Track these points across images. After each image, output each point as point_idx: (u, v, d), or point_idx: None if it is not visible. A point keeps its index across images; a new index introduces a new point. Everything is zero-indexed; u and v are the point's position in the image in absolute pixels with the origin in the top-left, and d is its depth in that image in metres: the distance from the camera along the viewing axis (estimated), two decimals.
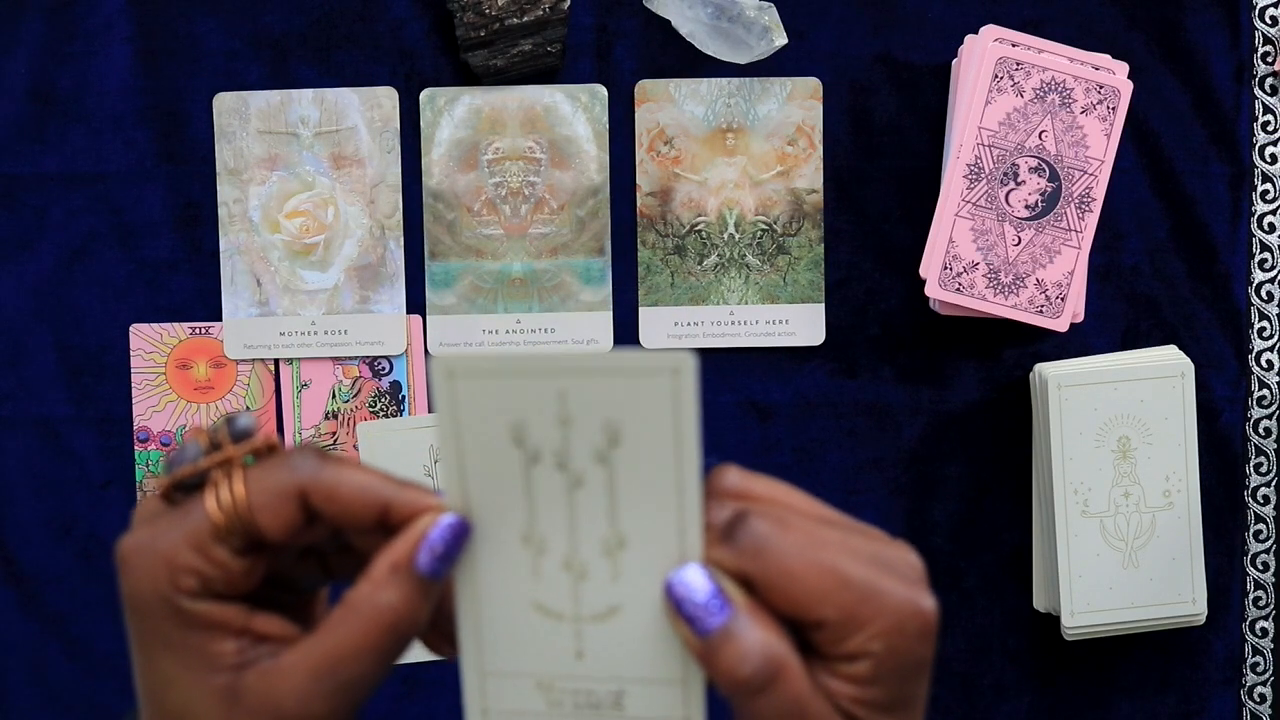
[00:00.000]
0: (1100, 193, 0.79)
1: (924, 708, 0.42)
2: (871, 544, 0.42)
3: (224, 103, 0.83)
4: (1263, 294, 0.84)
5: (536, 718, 0.43)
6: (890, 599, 0.40)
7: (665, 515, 0.41)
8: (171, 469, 0.43)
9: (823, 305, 0.84)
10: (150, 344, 0.84)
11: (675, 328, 0.84)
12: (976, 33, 0.79)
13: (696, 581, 0.40)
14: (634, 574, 0.41)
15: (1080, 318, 0.81)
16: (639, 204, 0.84)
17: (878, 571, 0.41)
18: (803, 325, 0.84)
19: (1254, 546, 0.85)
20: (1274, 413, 0.84)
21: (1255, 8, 0.83)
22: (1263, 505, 0.85)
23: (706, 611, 0.40)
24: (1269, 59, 0.83)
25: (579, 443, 0.40)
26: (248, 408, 0.84)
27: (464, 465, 0.41)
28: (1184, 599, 0.81)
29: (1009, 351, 0.84)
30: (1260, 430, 0.84)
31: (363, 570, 0.42)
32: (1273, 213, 0.84)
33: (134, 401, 0.83)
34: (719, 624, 0.40)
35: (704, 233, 0.84)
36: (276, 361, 0.84)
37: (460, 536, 0.41)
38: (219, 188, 0.83)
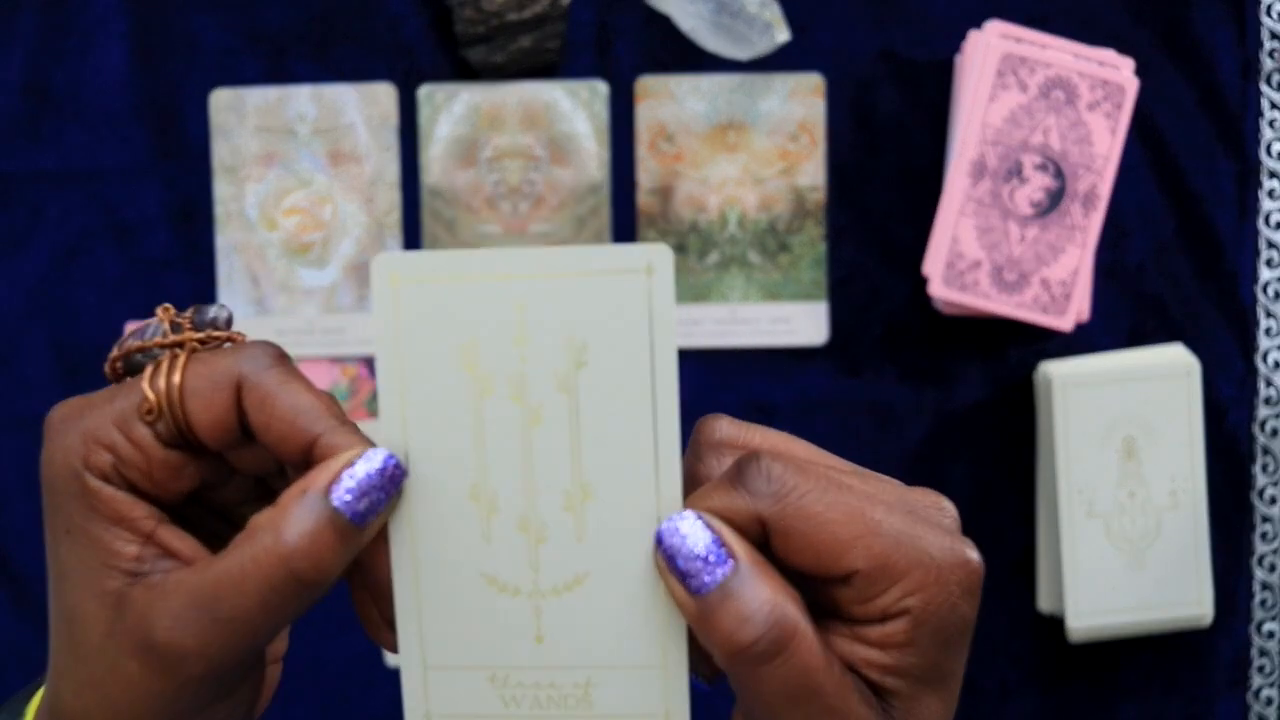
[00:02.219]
0: (1105, 190, 0.79)
1: (961, 679, 0.37)
2: (899, 490, 0.37)
3: (220, 99, 0.82)
4: (1269, 292, 0.84)
5: None
6: (929, 546, 0.35)
7: (639, 457, 0.35)
8: (125, 343, 0.39)
9: (825, 304, 0.84)
10: None
11: (676, 326, 0.84)
12: (980, 27, 0.79)
13: (693, 530, 0.35)
14: (603, 532, 0.36)
15: (1085, 317, 0.80)
16: (639, 201, 0.83)
17: (912, 519, 0.36)
18: (805, 324, 0.84)
19: (1261, 548, 0.85)
20: None
21: (1262, 3, 0.82)
22: (1270, 506, 0.84)
23: (704, 565, 0.35)
24: (1276, 55, 0.83)
25: (538, 366, 0.35)
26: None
27: (405, 396, 0.36)
28: (1190, 601, 0.81)
29: (1013, 350, 0.84)
30: (1267, 430, 0.84)
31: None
32: None
33: None
34: (718, 579, 0.35)
35: (705, 230, 0.83)
36: None
37: (390, 476, 0.36)
38: (215, 185, 0.83)
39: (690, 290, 0.84)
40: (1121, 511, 0.80)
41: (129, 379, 0.38)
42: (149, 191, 0.83)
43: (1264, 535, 0.85)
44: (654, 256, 0.35)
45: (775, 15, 0.79)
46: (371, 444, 0.36)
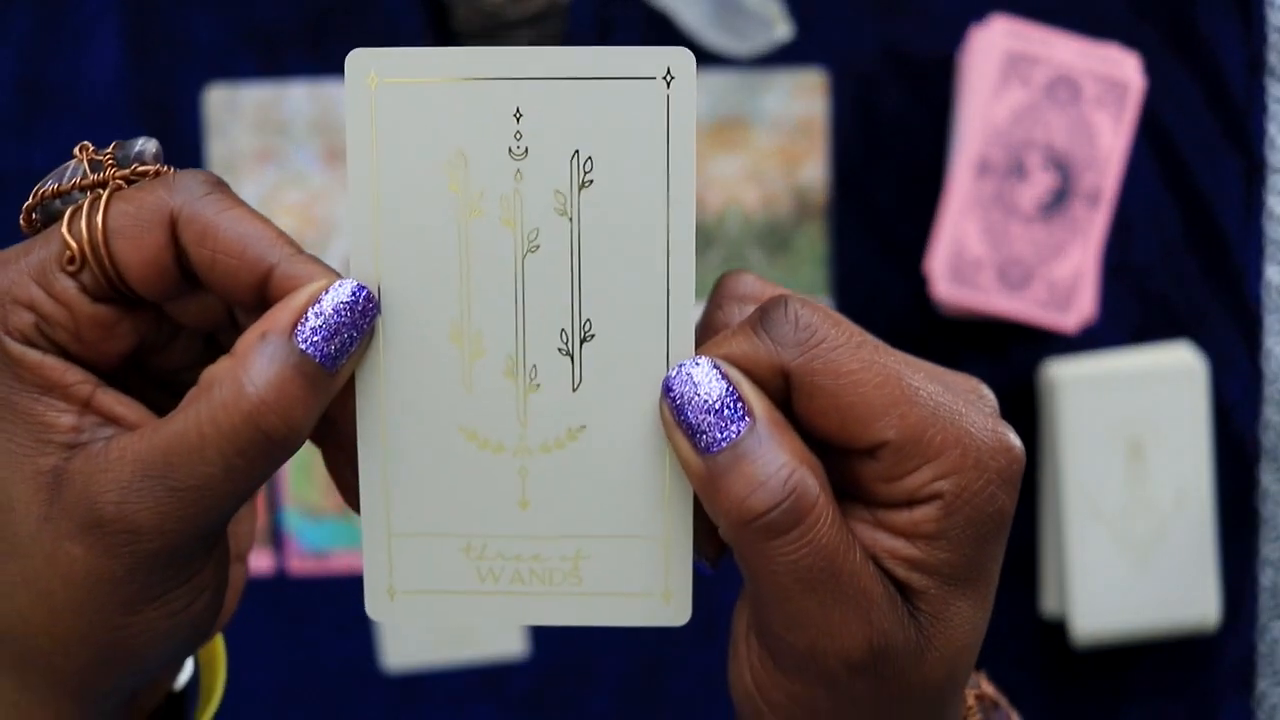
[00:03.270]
0: (1110, 188, 0.78)
1: (997, 580, 0.33)
2: (937, 368, 0.33)
3: (215, 96, 0.82)
4: (1276, 291, 0.83)
5: (462, 600, 0.33)
6: (969, 425, 0.31)
7: (649, 295, 0.31)
8: (41, 189, 0.34)
9: (827, 302, 0.83)
10: None
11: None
12: (984, 24, 0.79)
13: (706, 379, 0.31)
14: (603, 380, 0.32)
15: (1090, 315, 0.80)
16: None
17: (951, 394, 0.32)
18: None
19: (1267, 550, 0.84)
20: None
21: None
22: (1276, 508, 0.84)
23: (716, 419, 0.30)
24: None
25: (537, 183, 0.31)
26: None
27: (379, 217, 0.32)
28: (1196, 604, 0.80)
29: (1017, 350, 0.83)
30: (1274, 431, 0.84)
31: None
32: None
33: None
34: (731, 437, 0.30)
35: (706, 229, 0.83)
36: None
37: (362, 311, 0.31)
38: None
39: None
40: (1126, 513, 0.80)
41: (44, 227, 0.34)
42: None
43: (1270, 538, 0.84)
44: (674, 61, 0.30)
45: (776, 11, 0.78)
46: (336, 274, 0.32)
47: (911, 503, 0.31)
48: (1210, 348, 0.83)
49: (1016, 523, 0.89)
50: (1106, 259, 0.82)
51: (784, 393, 0.32)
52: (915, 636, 0.32)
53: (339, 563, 0.83)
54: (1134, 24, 0.82)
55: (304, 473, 0.83)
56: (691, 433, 0.31)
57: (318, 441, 0.35)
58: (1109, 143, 0.78)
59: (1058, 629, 0.83)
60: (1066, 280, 0.79)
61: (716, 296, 0.34)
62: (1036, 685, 0.84)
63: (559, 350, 0.32)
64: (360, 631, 0.83)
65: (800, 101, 0.82)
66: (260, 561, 0.83)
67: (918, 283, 0.82)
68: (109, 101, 0.82)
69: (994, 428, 0.32)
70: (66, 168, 0.34)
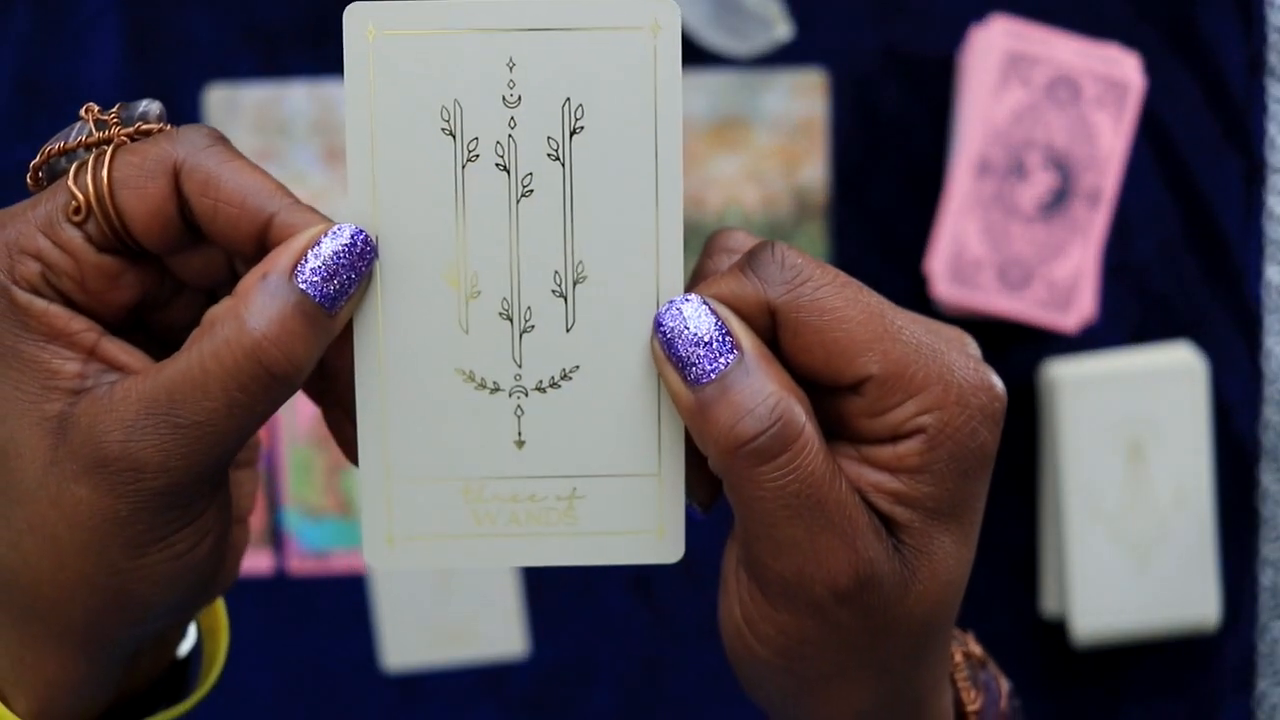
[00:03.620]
0: (1110, 188, 0.78)
1: (980, 521, 0.34)
2: (919, 315, 0.34)
3: (215, 96, 0.82)
4: (1276, 291, 0.83)
5: (460, 544, 0.34)
6: (951, 363, 0.32)
7: (639, 237, 0.33)
8: (48, 148, 0.35)
9: None
10: None
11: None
12: (983, 24, 0.79)
13: (695, 313, 0.32)
14: (596, 320, 0.33)
15: (1091, 316, 0.80)
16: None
17: (933, 336, 0.33)
18: None
19: (1267, 550, 0.84)
20: None
21: None
22: (1276, 508, 0.84)
23: (705, 351, 0.32)
24: None
25: (529, 131, 0.32)
26: None
27: (376, 163, 0.33)
28: (1196, 603, 0.80)
29: (1017, 350, 0.83)
30: (1274, 431, 0.83)
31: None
32: None
33: None
34: (720, 369, 0.32)
35: (706, 228, 0.83)
36: None
37: (360, 254, 0.32)
38: None
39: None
40: (1126, 513, 0.80)
41: (53, 185, 0.35)
42: None
43: (1270, 538, 0.84)
44: (660, 12, 0.32)
45: (776, 11, 0.78)
46: (333, 222, 0.33)
47: (895, 437, 0.32)
48: (1210, 348, 0.82)
49: (1017, 522, 0.89)
50: (1106, 259, 0.82)
51: (770, 330, 0.33)
52: (900, 569, 0.33)
53: (339, 563, 0.83)
54: (1134, 24, 0.82)
55: (304, 473, 0.83)
56: (681, 366, 0.32)
57: (317, 399, 0.36)
58: (1109, 143, 0.78)
59: (1058, 629, 0.83)
60: (1066, 280, 0.79)
61: (707, 249, 0.35)
62: (1036, 685, 0.84)
63: (552, 292, 0.33)
64: (360, 631, 0.83)
65: (800, 101, 0.82)
66: (260, 561, 0.83)
67: (918, 283, 0.82)
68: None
69: (975, 368, 0.33)
70: (72, 128, 0.35)
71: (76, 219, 0.33)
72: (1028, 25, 0.78)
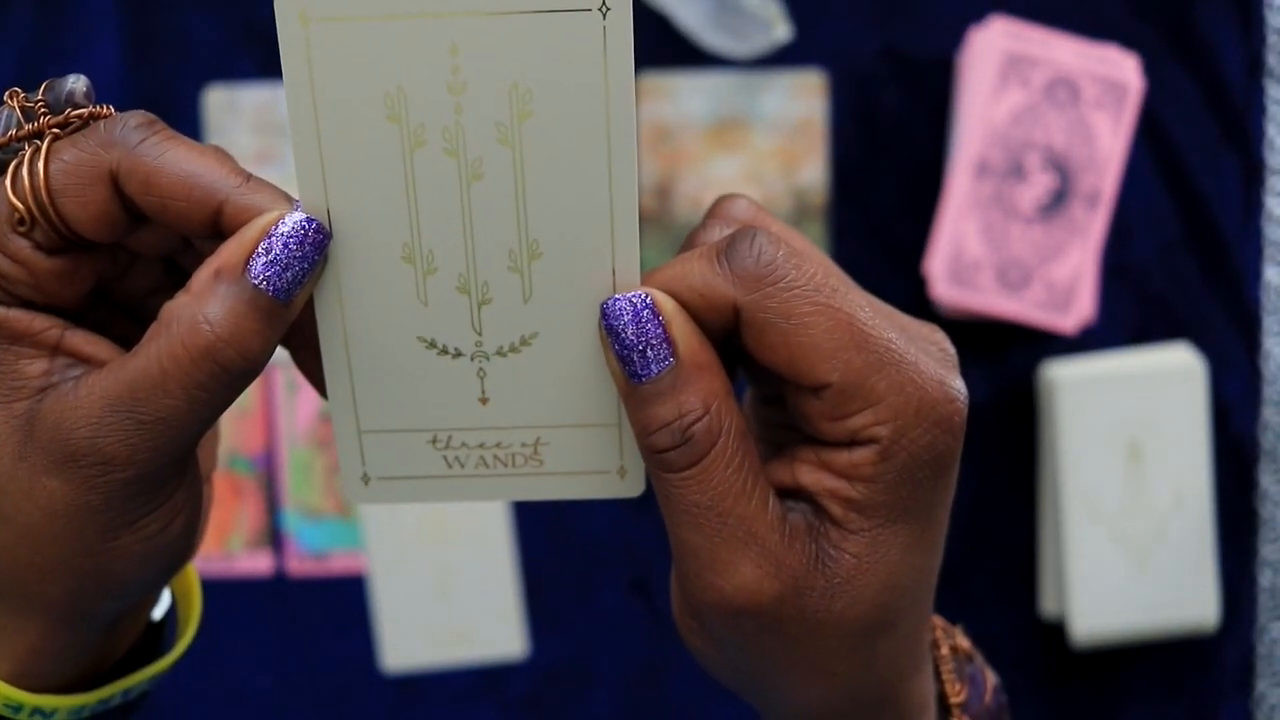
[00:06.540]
0: (1109, 189, 0.78)
1: (943, 525, 0.34)
2: (899, 315, 0.34)
3: (215, 97, 0.82)
4: (1275, 293, 0.83)
5: (432, 483, 0.35)
6: (912, 374, 0.32)
7: (593, 218, 0.32)
8: None
9: None
10: None
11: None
12: (982, 25, 0.79)
13: (637, 317, 0.32)
14: (553, 293, 0.33)
15: (1090, 317, 0.80)
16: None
17: (903, 343, 0.33)
18: None
19: (1266, 551, 0.84)
20: None
21: None
22: (1275, 509, 0.84)
23: (640, 358, 0.32)
24: None
25: (477, 115, 0.31)
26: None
27: (323, 151, 0.32)
28: (1195, 605, 0.80)
29: (1016, 351, 0.83)
30: (1273, 432, 0.83)
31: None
32: None
33: None
34: (652, 375, 0.32)
35: None
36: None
37: (312, 242, 0.32)
38: None
39: None
40: (1125, 514, 0.80)
41: None
42: None
43: (1269, 539, 0.84)
44: None
45: (775, 12, 0.78)
46: (287, 198, 0.33)
47: (852, 444, 0.33)
48: (1209, 349, 0.82)
49: (1016, 523, 0.89)
50: (1105, 260, 0.82)
51: (734, 323, 0.33)
52: (822, 578, 0.33)
53: (338, 563, 0.83)
54: (1133, 25, 0.82)
55: (304, 474, 0.83)
56: (619, 360, 0.33)
57: (283, 344, 0.36)
58: (1108, 144, 0.78)
59: (1057, 630, 0.83)
60: (1065, 281, 0.79)
61: (709, 213, 0.36)
62: (1036, 686, 0.84)
63: (508, 268, 0.33)
64: (360, 631, 0.83)
65: (799, 102, 0.82)
66: (260, 562, 0.83)
67: (917, 284, 0.82)
68: (109, 101, 0.82)
69: (940, 377, 0.33)
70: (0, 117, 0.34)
71: (22, 230, 0.33)
72: (1027, 26, 0.78)
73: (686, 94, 0.82)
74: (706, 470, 0.32)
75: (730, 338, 0.34)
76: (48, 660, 0.35)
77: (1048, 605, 0.83)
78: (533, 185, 0.32)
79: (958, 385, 0.33)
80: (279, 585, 0.83)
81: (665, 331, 0.33)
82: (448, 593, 0.83)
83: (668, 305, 0.33)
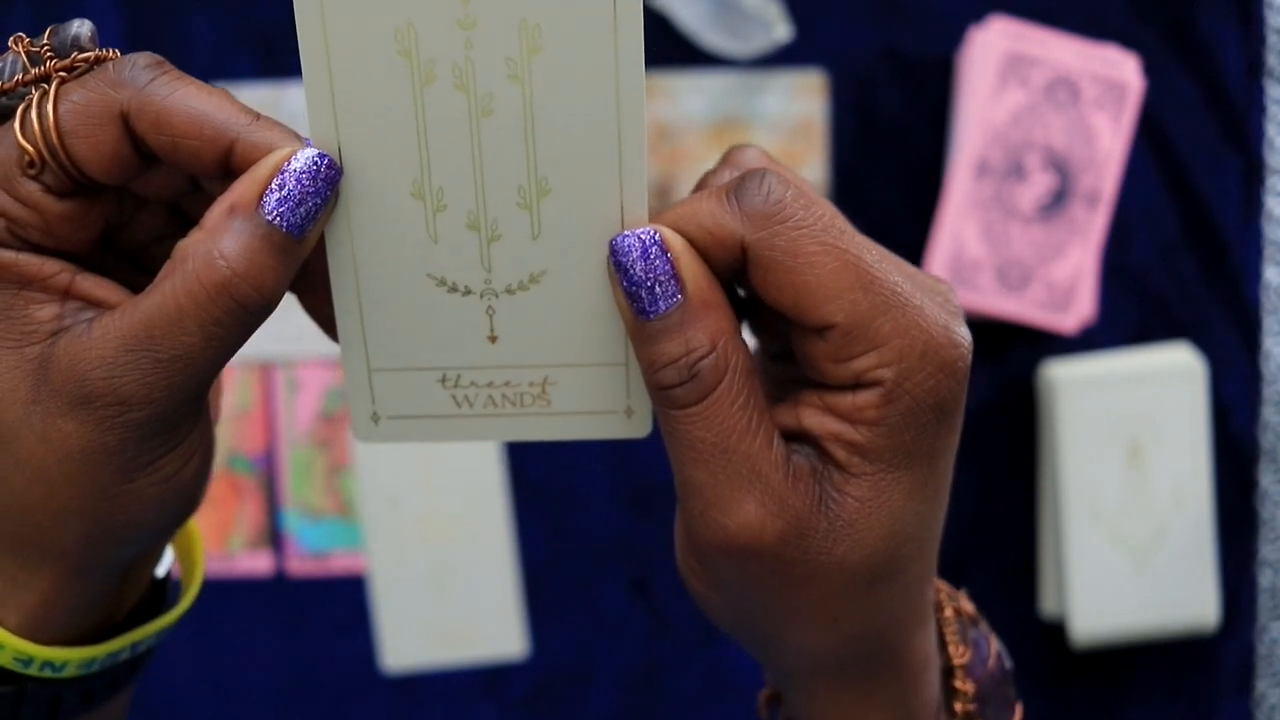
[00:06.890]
0: (1109, 189, 0.78)
1: (947, 474, 0.34)
2: (907, 265, 0.34)
3: None
4: (1275, 293, 0.83)
5: (441, 423, 0.35)
6: (918, 318, 0.32)
7: (602, 154, 0.33)
8: None
9: None
10: None
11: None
12: (982, 25, 0.79)
13: (646, 253, 0.33)
14: (562, 230, 0.33)
15: (1090, 317, 0.80)
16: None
17: (910, 287, 0.33)
18: None
19: (1266, 551, 0.84)
20: None
21: None
22: (1275, 509, 0.84)
23: (648, 294, 0.33)
24: None
25: (486, 52, 0.31)
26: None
27: (333, 87, 0.32)
28: (1195, 605, 0.80)
29: (1016, 351, 0.83)
30: (1273, 432, 0.83)
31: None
32: None
33: None
34: (660, 311, 0.33)
35: None
36: (267, 363, 0.83)
37: (324, 178, 0.32)
38: None
39: None
40: (1125, 514, 0.80)
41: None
42: None
43: (1269, 539, 0.84)
44: None
45: (775, 12, 0.78)
46: (297, 137, 0.33)
47: (856, 386, 0.33)
48: (1209, 349, 0.82)
49: (1016, 523, 0.89)
50: (1105, 260, 0.82)
51: (742, 262, 0.33)
52: (825, 520, 0.33)
53: (339, 563, 0.83)
54: (1133, 25, 0.82)
55: (304, 474, 0.83)
56: (627, 297, 0.33)
57: (291, 288, 0.36)
58: (1108, 144, 0.78)
59: (1057, 630, 0.83)
60: (1065, 281, 0.79)
61: (721, 160, 0.36)
62: (1036, 686, 0.84)
63: (517, 204, 0.33)
64: (360, 632, 0.83)
65: (799, 102, 0.82)
66: (260, 562, 0.83)
67: None
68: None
69: (946, 323, 0.33)
70: (4, 62, 0.34)
71: (32, 173, 0.33)
72: (1027, 26, 0.78)
73: (686, 94, 0.82)
74: (712, 407, 0.33)
75: (737, 278, 0.34)
76: (58, 612, 0.35)
77: (1048, 605, 0.83)
78: (541, 121, 0.32)
79: (962, 331, 0.33)
80: (279, 585, 0.83)
81: (673, 268, 0.33)
82: (448, 592, 0.83)
83: (676, 242, 0.33)
